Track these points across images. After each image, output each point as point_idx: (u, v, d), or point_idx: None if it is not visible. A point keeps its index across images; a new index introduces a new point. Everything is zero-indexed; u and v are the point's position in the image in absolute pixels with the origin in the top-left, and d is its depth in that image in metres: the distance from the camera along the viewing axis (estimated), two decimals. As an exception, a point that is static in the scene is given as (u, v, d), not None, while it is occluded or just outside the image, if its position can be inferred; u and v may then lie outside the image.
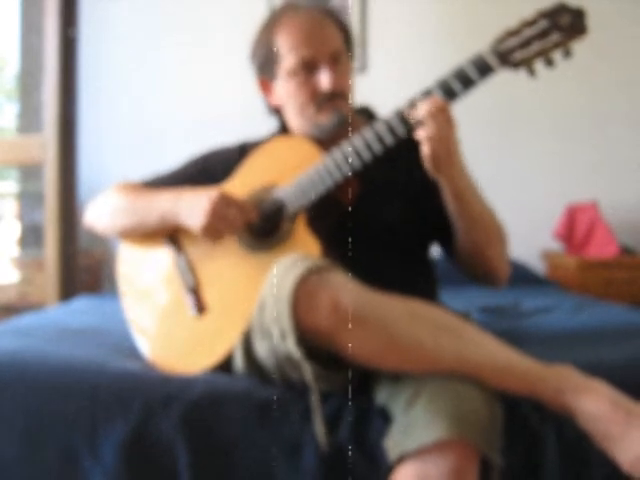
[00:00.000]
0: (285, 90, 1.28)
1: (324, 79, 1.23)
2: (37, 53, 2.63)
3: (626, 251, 2.67)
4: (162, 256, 1.32)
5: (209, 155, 1.42)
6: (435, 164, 1.09)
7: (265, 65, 1.30)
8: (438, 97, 1.08)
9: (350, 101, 1.28)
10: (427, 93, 1.10)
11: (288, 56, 1.24)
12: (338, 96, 1.24)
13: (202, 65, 2.94)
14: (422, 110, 1.07)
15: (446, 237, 1.28)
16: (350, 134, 1.19)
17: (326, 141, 1.25)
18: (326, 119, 1.24)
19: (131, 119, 2.94)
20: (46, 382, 1.05)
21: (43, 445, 0.98)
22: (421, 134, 1.07)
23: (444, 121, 1.06)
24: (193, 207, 1.19)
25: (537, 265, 2.82)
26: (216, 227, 1.17)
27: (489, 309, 1.83)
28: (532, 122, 2.93)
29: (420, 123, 1.08)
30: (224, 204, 1.16)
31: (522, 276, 2.53)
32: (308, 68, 1.24)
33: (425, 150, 1.07)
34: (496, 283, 1.27)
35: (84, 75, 2.53)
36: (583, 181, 2.91)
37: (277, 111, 1.36)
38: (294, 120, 1.30)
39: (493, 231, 1.21)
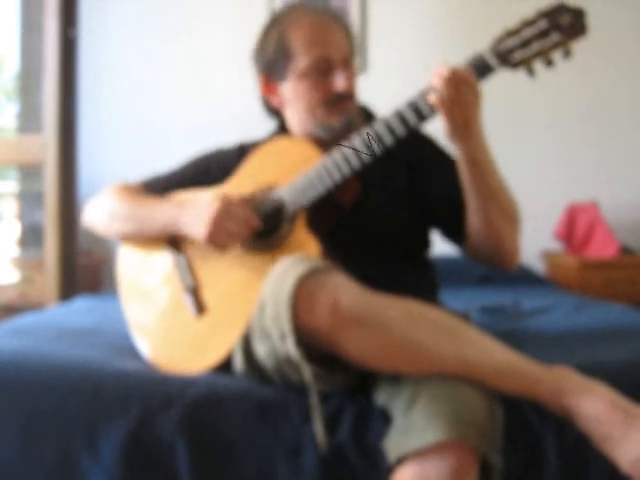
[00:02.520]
0: (295, 91, 1.26)
1: (340, 80, 1.22)
2: (37, 53, 2.63)
3: (626, 251, 2.67)
4: (162, 256, 1.32)
5: (208, 156, 1.42)
6: (450, 129, 1.09)
7: (273, 64, 1.28)
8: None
9: (356, 101, 1.28)
10: (425, 92, 1.10)
11: (302, 55, 1.23)
12: (347, 98, 1.24)
13: (202, 65, 2.94)
14: (435, 74, 1.07)
15: (453, 225, 1.27)
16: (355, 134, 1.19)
17: (329, 142, 1.24)
18: (336, 120, 1.24)
19: (131, 119, 2.94)
20: (46, 382, 1.05)
21: (43, 445, 0.98)
22: (433, 99, 1.07)
23: (458, 86, 1.05)
24: (195, 219, 1.18)
25: (537, 265, 2.82)
26: (219, 239, 1.17)
27: (489, 309, 1.83)
28: (532, 122, 2.92)
29: (433, 88, 1.07)
30: (226, 215, 1.15)
31: (522, 276, 2.53)
32: (321, 69, 1.23)
33: (441, 115, 1.07)
34: (506, 265, 1.25)
35: (84, 75, 2.53)
36: (583, 181, 2.91)
37: (276, 112, 1.36)
38: (299, 120, 1.29)
39: (508, 210, 1.20)
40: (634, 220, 2.89)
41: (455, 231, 1.29)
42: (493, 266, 1.27)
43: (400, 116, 1.11)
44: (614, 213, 2.78)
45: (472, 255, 1.29)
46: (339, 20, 1.29)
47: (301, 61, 1.23)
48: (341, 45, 1.25)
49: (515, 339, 1.16)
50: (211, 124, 2.77)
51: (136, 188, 1.37)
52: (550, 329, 1.58)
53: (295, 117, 1.30)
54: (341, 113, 1.24)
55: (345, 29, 1.29)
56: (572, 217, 2.74)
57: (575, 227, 2.73)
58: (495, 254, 1.23)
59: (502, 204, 1.19)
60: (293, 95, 1.27)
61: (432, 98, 1.07)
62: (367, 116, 1.35)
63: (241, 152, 1.37)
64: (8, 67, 3.32)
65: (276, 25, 1.28)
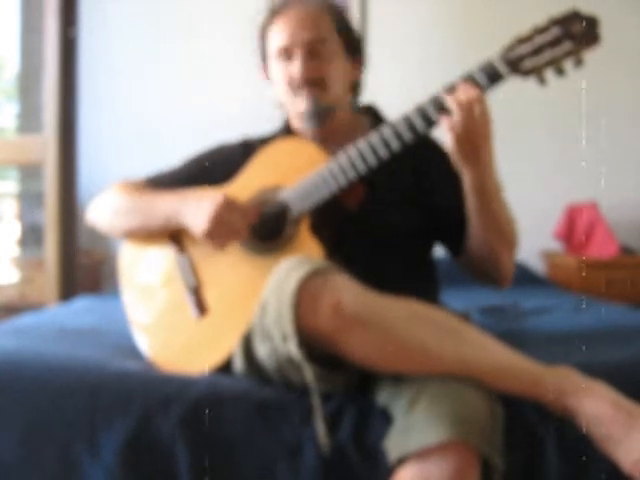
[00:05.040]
0: (272, 76, 1.33)
1: (294, 67, 1.26)
2: (37, 53, 2.62)
3: (626, 251, 2.67)
4: (164, 255, 1.31)
5: (211, 152, 1.42)
6: (459, 155, 1.08)
7: (260, 50, 1.35)
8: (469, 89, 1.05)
9: (333, 88, 1.27)
10: (435, 99, 1.08)
11: (271, 45, 1.30)
12: (314, 83, 1.25)
13: (202, 65, 2.94)
14: (453, 98, 1.05)
15: (452, 237, 1.27)
16: (356, 125, 1.22)
17: (325, 134, 1.27)
18: (302, 105, 1.26)
19: (131, 119, 2.94)
20: (46, 382, 1.05)
21: (43, 445, 0.98)
22: (445, 123, 1.06)
23: (472, 112, 1.04)
24: (197, 211, 1.18)
25: (537, 265, 2.82)
26: (219, 234, 1.17)
27: (489, 309, 1.83)
28: (532, 122, 2.92)
29: (447, 111, 1.06)
30: (228, 210, 1.16)
31: (522, 276, 2.53)
32: (286, 56, 1.27)
33: (449, 139, 1.07)
34: (501, 285, 1.28)
35: (84, 75, 2.53)
36: (583, 181, 2.91)
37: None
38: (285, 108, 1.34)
39: (508, 234, 1.21)
40: (634, 220, 2.89)
41: (452, 245, 1.30)
42: (485, 282, 1.30)
43: (408, 121, 1.10)
44: (614, 213, 2.78)
45: (466, 269, 1.30)
46: (322, 5, 1.30)
47: (270, 49, 1.30)
48: (308, 30, 1.26)
49: (515, 339, 1.16)
50: (212, 124, 2.76)
51: (139, 185, 1.37)
52: (550, 329, 1.58)
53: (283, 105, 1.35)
54: (306, 98, 1.26)
55: (331, 13, 1.30)
56: (572, 217, 2.74)
57: (575, 227, 2.72)
58: (489, 273, 1.26)
59: (503, 229, 1.19)
60: (272, 81, 1.34)
61: (445, 122, 1.06)
62: (373, 115, 1.34)
63: (245, 148, 1.38)
64: (8, 67, 3.32)
65: (265, 17, 1.34)
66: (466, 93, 1.05)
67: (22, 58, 2.97)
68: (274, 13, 1.31)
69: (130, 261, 1.37)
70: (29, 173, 2.97)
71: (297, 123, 1.32)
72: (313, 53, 1.26)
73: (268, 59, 1.33)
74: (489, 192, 1.13)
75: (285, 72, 1.27)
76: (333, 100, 1.27)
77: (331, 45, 1.28)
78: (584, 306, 1.86)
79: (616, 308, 1.83)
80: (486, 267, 1.24)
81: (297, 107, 1.28)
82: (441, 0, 2.94)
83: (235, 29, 2.86)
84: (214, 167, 1.37)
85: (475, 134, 1.06)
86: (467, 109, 1.04)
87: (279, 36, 1.28)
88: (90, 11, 2.75)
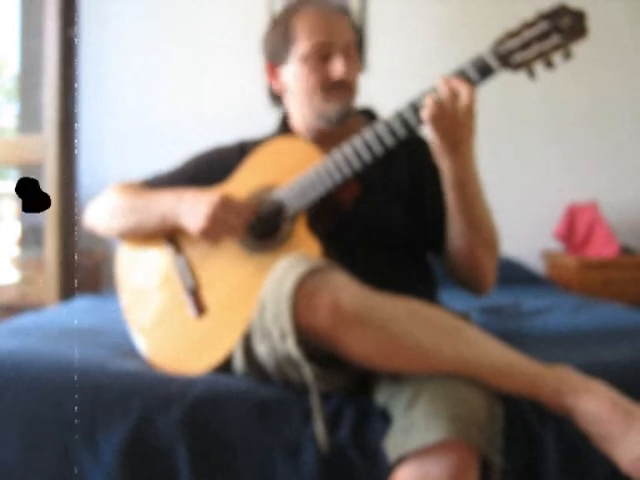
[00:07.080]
0: (294, 75, 1.27)
1: (338, 66, 1.23)
2: (37, 53, 2.63)
3: (626, 251, 2.67)
4: (161, 256, 1.32)
5: (208, 154, 1.42)
6: (438, 145, 1.09)
7: (277, 48, 1.29)
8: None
9: (355, 95, 1.28)
10: (427, 94, 1.09)
11: (304, 40, 1.24)
12: (346, 87, 1.25)
13: (202, 65, 2.93)
14: (439, 89, 1.06)
15: (440, 241, 1.27)
16: (354, 126, 1.20)
17: (327, 133, 1.26)
18: (332, 108, 1.24)
19: (131, 119, 2.94)
20: (46, 382, 1.05)
21: (43, 445, 0.98)
22: (424, 113, 1.07)
23: (455, 103, 1.05)
24: (193, 209, 1.19)
25: (537, 265, 2.82)
26: (215, 231, 1.17)
27: (489, 309, 1.83)
28: (532, 122, 2.92)
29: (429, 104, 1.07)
30: (224, 208, 1.16)
31: (522, 276, 2.53)
32: (321, 55, 1.24)
33: (430, 131, 1.07)
34: (481, 291, 1.27)
35: (84, 75, 2.53)
36: (583, 181, 2.91)
37: (279, 99, 1.36)
38: (298, 108, 1.30)
39: (489, 238, 1.20)
40: (634, 220, 2.89)
41: (436, 247, 1.30)
42: (466, 288, 1.28)
43: (401, 117, 1.11)
44: (614, 213, 2.78)
45: (449, 273, 1.29)
46: (344, 11, 1.30)
47: (302, 45, 1.24)
48: (343, 33, 1.25)
49: (515, 339, 1.16)
50: (212, 124, 2.77)
51: (136, 186, 1.38)
52: (550, 329, 1.58)
53: (294, 104, 1.31)
54: (338, 101, 1.24)
55: (350, 20, 1.30)
56: (572, 217, 2.74)
57: (575, 227, 2.73)
58: (470, 278, 1.25)
59: (483, 232, 1.19)
60: (293, 80, 1.28)
61: (423, 113, 1.07)
62: (370, 117, 1.34)
63: (241, 150, 1.37)
64: (8, 67, 3.32)
65: (286, 12, 1.30)
66: (452, 85, 1.06)
67: (22, 58, 2.97)
68: (299, 8, 1.28)
69: (127, 263, 1.37)
70: (29, 173, 2.97)
71: (303, 123, 1.30)
72: (347, 56, 1.25)
73: (289, 54, 1.27)
74: (468, 186, 1.14)
75: (319, 71, 1.24)
76: (353, 104, 1.28)
77: (356, 51, 1.28)
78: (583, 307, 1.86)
79: (616, 308, 1.83)
80: (466, 271, 1.23)
81: (323, 108, 1.25)
82: (441, 0, 2.95)
83: (235, 29, 2.87)
84: (211, 169, 1.36)
85: (458, 125, 1.06)
86: (450, 99, 1.05)
87: (317, 32, 1.24)
88: (90, 11, 2.75)
